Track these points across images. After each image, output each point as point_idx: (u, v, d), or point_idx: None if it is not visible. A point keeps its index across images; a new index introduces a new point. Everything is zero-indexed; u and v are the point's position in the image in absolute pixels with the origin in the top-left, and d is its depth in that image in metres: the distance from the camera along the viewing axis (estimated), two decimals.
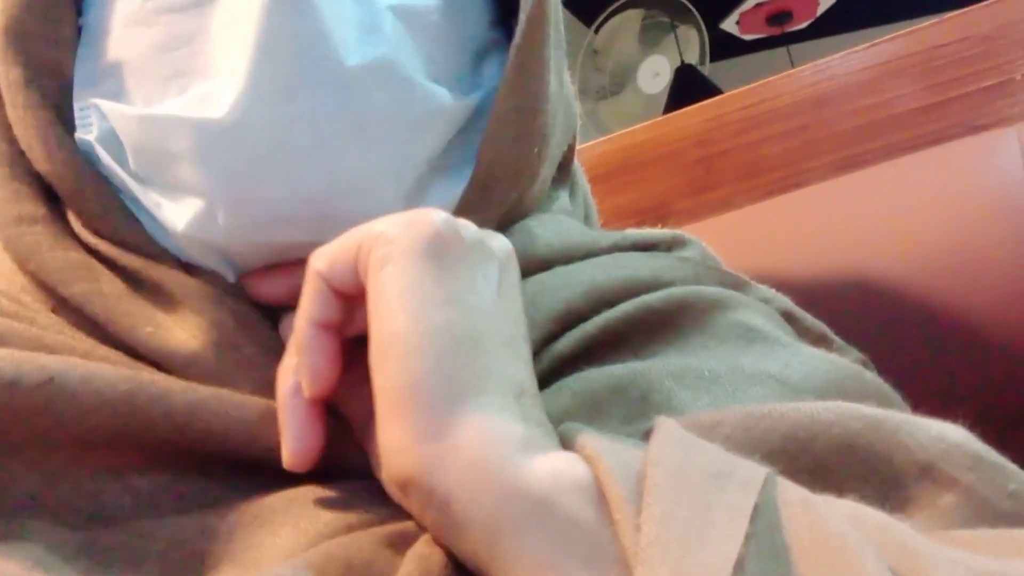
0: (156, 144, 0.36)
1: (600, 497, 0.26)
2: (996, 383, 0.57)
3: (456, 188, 0.39)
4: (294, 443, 0.32)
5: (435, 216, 0.31)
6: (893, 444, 0.30)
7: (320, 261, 0.32)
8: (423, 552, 0.29)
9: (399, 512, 0.31)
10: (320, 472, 0.33)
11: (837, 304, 0.59)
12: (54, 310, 0.37)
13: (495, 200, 0.40)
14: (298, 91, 0.34)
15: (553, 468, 0.27)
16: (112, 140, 0.37)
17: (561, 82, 0.44)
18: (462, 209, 0.39)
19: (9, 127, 0.39)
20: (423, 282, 0.29)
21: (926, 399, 0.40)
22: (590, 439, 0.29)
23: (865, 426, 0.30)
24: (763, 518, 0.25)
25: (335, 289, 0.32)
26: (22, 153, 0.38)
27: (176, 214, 0.36)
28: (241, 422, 0.32)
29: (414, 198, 0.38)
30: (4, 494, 0.31)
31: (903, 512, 0.29)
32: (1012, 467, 0.30)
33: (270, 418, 0.33)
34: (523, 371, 0.31)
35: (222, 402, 0.32)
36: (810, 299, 0.46)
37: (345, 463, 0.33)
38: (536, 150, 0.41)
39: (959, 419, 0.32)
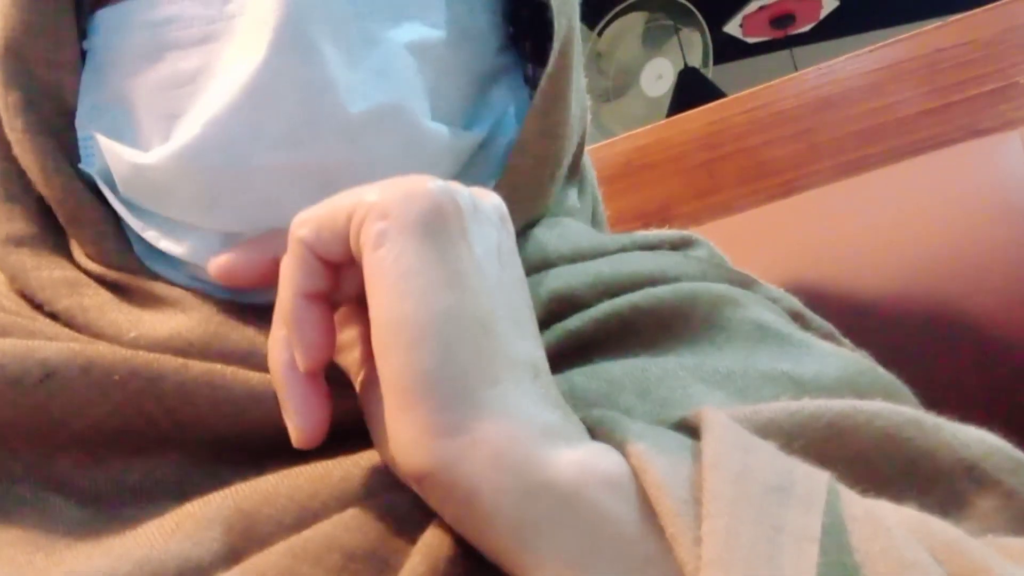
0: (157, 188, 0.36)
1: (635, 494, 0.26)
2: (1001, 386, 0.57)
3: None
4: (299, 420, 0.30)
5: (431, 186, 0.29)
6: (936, 441, 0.30)
7: (304, 229, 0.30)
8: (431, 542, 0.28)
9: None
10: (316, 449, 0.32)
11: (840, 307, 0.59)
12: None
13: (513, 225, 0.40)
14: (304, 139, 0.34)
15: (581, 461, 0.26)
16: (111, 176, 0.37)
17: (580, 94, 0.44)
18: None
19: (5, 144, 0.38)
20: (425, 263, 0.27)
21: (930, 402, 0.40)
22: (633, 437, 0.27)
23: (907, 421, 0.30)
24: (831, 540, 0.24)
25: (321, 258, 0.30)
26: (20, 171, 0.38)
27: (177, 250, 0.36)
28: (229, 399, 0.32)
29: None
30: (4, 495, 0.31)
31: (945, 513, 0.28)
32: None
33: (258, 393, 0.32)
34: (534, 349, 0.29)
35: (212, 379, 0.32)
36: (813, 303, 0.46)
37: (343, 427, 0.32)
38: (551, 173, 0.41)
39: (964, 422, 0.32)
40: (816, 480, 0.26)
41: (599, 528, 0.25)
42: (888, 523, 0.25)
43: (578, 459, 0.26)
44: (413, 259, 0.27)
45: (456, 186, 0.30)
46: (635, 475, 0.27)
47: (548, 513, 0.26)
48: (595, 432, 0.29)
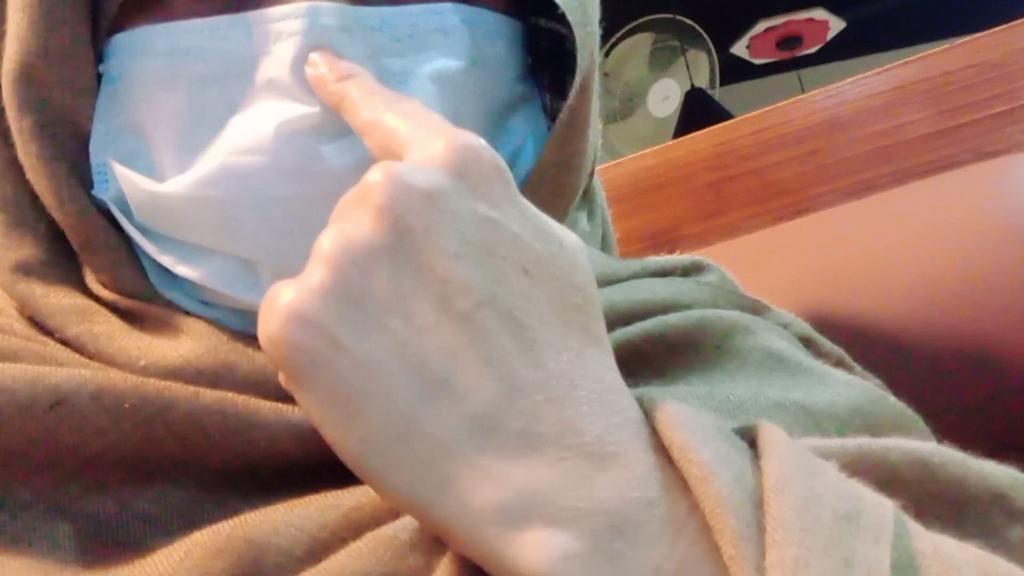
0: (173, 215, 0.36)
1: (603, 560, 0.24)
2: (1010, 410, 0.56)
3: None
4: None
5: (280, 323, 0.26)
6: (965, 469, 0.29)
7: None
8: (453, 560, 0.27)
9: None
10: (326, 479, 0.32)
11: (848, 329, 0.59)
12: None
13: None
14: (320, 171, 0.34)
15: (554, 547, 0.24)
16: (126, 201, 0.37)
17: (595, 123, 0.44)
18: None
19: (16, 168, 0.38)
20: (318, 410, 0.26)
21: (937, 426, 0.40)
22: (697, 442, 0.26)
23: (936, 450, 0.30)
24: None
25: None
26: (32, 195, 0.38)
27: (194, 275, 0.36)
28: (240, 428, 0.32)
29: None
30: (12, 521, 0.31)
31: (973, 539, 0.28)
32: None
33: (268, 422, 0.32)
34: (500, 385, 0.26)
35: (223, 408, 0.32)
36: (820, 325, 0.46)
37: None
38: (566, 204, 0.41)
39: (973, 448, 0.32)
40: (883, 509, 0.26)
41: None
42: (957, 562, 0.25)
43: (542, 545, 0.24)
44: (310, 409, 0.26)
45: (314, 296, 0.26)
46: (693, 484, 0.25)
47: None
48: (651, 420, 0.27)
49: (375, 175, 0.27)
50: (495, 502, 0.25)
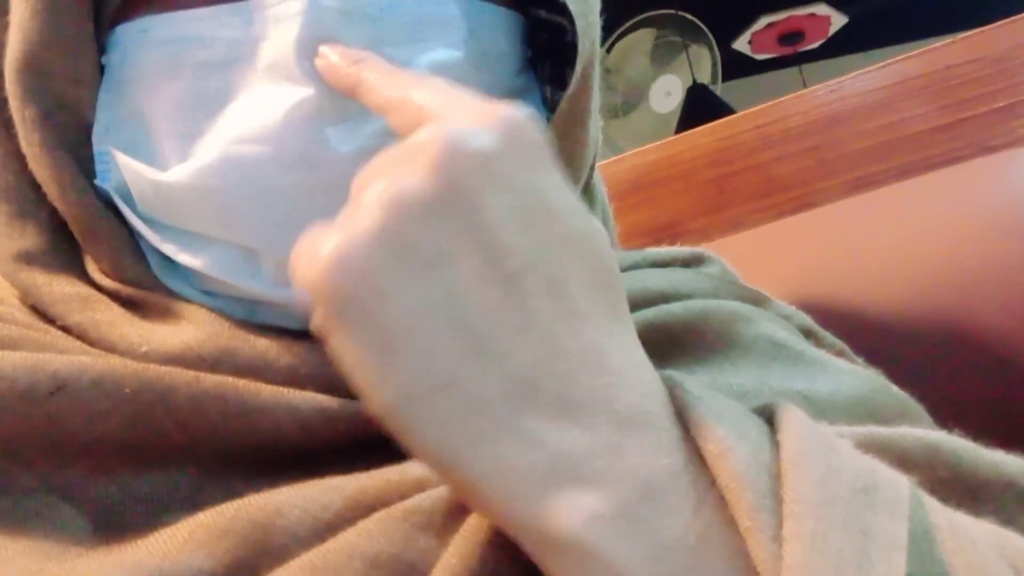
0: (176, 204, 0.36)
1: (647, 520, 0.25)
2: (1014, 404, 0.57)
3: None
4: None
5: (324, 267, 0.25)
6: (976, 455, 0.30)
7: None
8: (465, 538, 0.27)
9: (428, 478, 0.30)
10: (333, 463, 0.32)
11: (850, 324, 0.59)
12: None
13: None
14: (320, 160, 0.34)
15: (583, 508, 0.25)
16: (128, 191, 0.37)
17: (595, 117, 0.44)
18: None
19: (18, 158, 0.38)
20: (354, 356, 0.26)
21: (942, 420, 0.40)
22: (712, 418, 0.26)
23: (948, 437, 0.30)
24: (918, 549, 0.24)
25: None
26: (33, 185, 0.38)
27: (196, 263, 0.36)
28: (241, 412, 0.32)
29: None
30: (15, 507, 0.31)
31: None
32: None
33: (270, 406, 0.32)
34: (541, 346, 0.26)
35: (224, 392, 0.32)
36: (821, 319, 0.46)
37: (359, 443, 0.32)
38: None
39: (979, 441, 0.32)
40: (899, 484, 0.26)
41: (607, 572, 0.24)
42: (973, 536, 0.25)
43: (580, 505, 0.25)
44: (346, 355, 0.26)
45: (362, 242, 0.26)
46: (710, 459, 0.26)
47: (564, 567, 0.25)
48: (671, 396, 0.28)
49: (425, 135, 0.27)
50: (527, 461, 0.25)
